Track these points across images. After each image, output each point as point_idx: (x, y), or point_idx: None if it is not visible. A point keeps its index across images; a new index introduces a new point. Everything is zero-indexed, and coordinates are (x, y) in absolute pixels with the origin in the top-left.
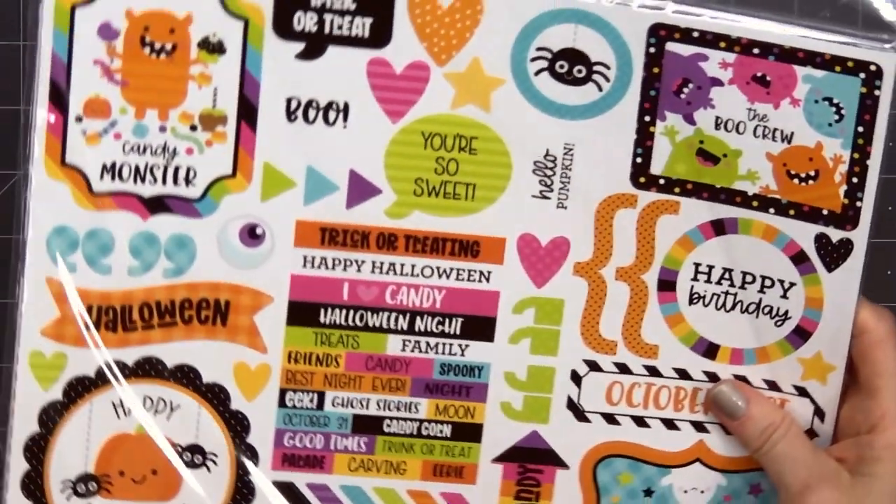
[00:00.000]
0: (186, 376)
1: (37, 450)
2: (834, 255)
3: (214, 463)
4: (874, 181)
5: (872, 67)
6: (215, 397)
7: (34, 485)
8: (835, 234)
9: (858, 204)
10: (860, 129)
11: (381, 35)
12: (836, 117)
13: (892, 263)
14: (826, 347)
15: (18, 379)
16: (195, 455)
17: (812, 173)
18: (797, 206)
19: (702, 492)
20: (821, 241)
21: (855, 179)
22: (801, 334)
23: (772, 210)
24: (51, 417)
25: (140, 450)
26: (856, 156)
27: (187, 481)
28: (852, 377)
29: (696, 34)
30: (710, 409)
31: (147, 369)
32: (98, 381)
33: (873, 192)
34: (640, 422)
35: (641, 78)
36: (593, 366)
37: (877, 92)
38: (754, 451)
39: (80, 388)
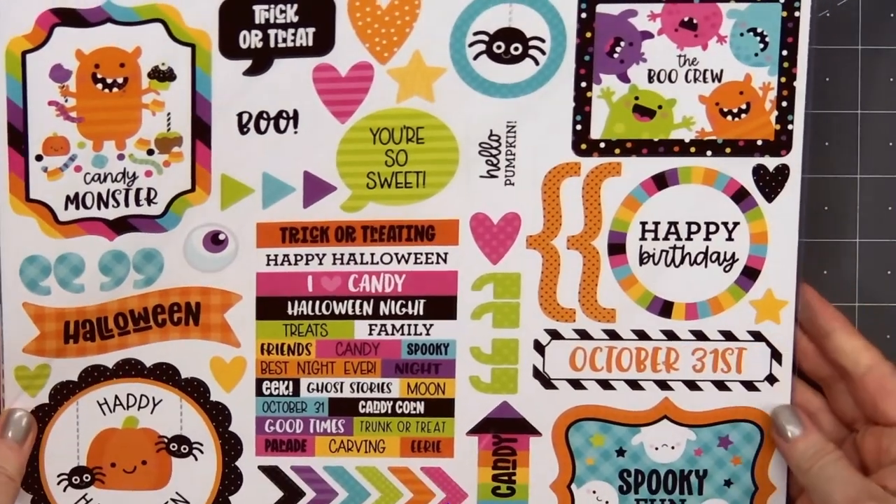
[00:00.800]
0: (165, 373)
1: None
2: (772, 183)
3: (201, 451)
4: (802, 102)
5: None
6: (195, 391)
7: (31, 478)
8: (771, 163)
9: (790, 127)
10: (784, 52)
11: (324, 42)
12: (762, 46)
13: (893, 263)
14: (776, 283)
15: (6, 390)
16: (181, 445)
17: (743, 107)
18: (733, 143)
19: (672, 447)
20: (758, 172)
21: (784, 104)
22: (749, 275)
23: (709, 152)
24: (40, 419)
25: (128, 443)
26: (783, 80)
27: (177, 469)
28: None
29: None
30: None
31: (127, 370)
32: (82, 384)
33: (802, 114)
34: (605, 385)
35: (575, 45)
36: (555, 334)
37: (797, 13)
38: (804, 472)
39: (65, 392)
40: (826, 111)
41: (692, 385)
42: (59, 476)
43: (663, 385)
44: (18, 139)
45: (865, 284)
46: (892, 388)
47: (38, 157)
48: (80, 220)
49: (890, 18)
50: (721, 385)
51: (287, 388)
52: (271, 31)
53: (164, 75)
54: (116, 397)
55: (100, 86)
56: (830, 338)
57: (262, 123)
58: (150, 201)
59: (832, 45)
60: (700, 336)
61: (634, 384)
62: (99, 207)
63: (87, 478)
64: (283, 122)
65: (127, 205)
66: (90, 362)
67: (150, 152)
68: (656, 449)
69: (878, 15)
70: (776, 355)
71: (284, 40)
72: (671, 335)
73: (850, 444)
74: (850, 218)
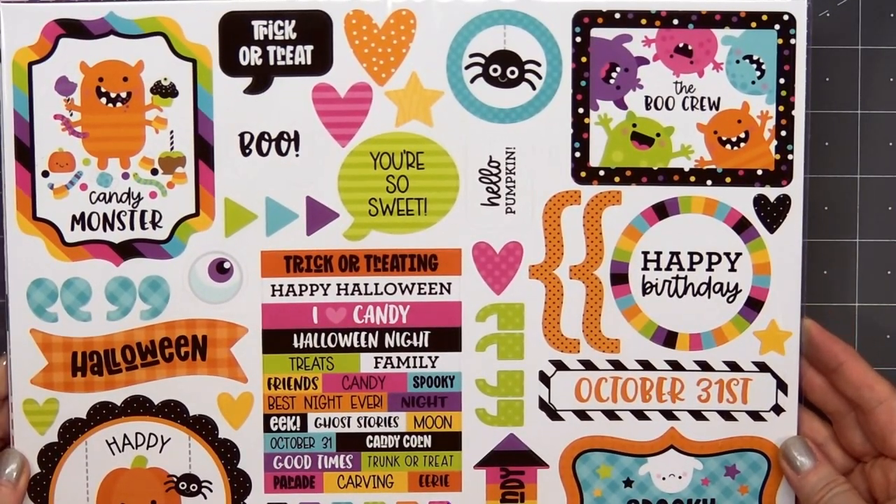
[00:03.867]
0: (174, 411)
1: (40, 489)
2: (773, 214)
3: (210, 490)
4: (801, 131)
5: (785, 17)
6: (203, 428)
7: None
8: (772, 193)
9: (790, 157)
10: (781, 80)
11: (322, 61)
12: (758, 73)
13: (893, 263)
14: (779, 314)
15: (15, 426)
16: (190, 484)
17: (742, 135)
18: (732, 173)
19: (679, 477)
20: (759, 202)
21: (784, 133)
22: (753, 306)
23: (709, 182)
24: (49, 458)
25: (137, 483)
26: (781, 108)
27: None
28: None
29: (617, 15)
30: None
31: (136, 407)
32: (90, 423)
33: (802, 142)
34: (611, 415)
35: (571, 70)
36: (559, 365)
37: (792, 41)
38: (814, 503)
39: (73, 430)
40: (826, 111)
41: (698, 415)
42: None
43: (669, 415)
44: (25, 154)
45: (865, 284)
46: None
47: (45, 174)
48: (87, 243)
49: (890, 18)
50: (727, 415)
51: (295, 423)
52: (270, 48)
53: (166, 91)
54: (125, 436)
55: (104, 100)
56: (840, 371)
57: (264, 145)
58: (154, 225)
59: (832, 45)
60: (705, 366)
61: (640, 414)
62: (105, 229)
63: None
64: (284, 144)
65: (132, 227)
66: (98, 398)
67: (154, 172)
68: (663, 479)
69: (878, 15)
70: (782, 386)
71: (283, 58)
72: (676, 365)
73: (859, 474)
74: (850, 218)
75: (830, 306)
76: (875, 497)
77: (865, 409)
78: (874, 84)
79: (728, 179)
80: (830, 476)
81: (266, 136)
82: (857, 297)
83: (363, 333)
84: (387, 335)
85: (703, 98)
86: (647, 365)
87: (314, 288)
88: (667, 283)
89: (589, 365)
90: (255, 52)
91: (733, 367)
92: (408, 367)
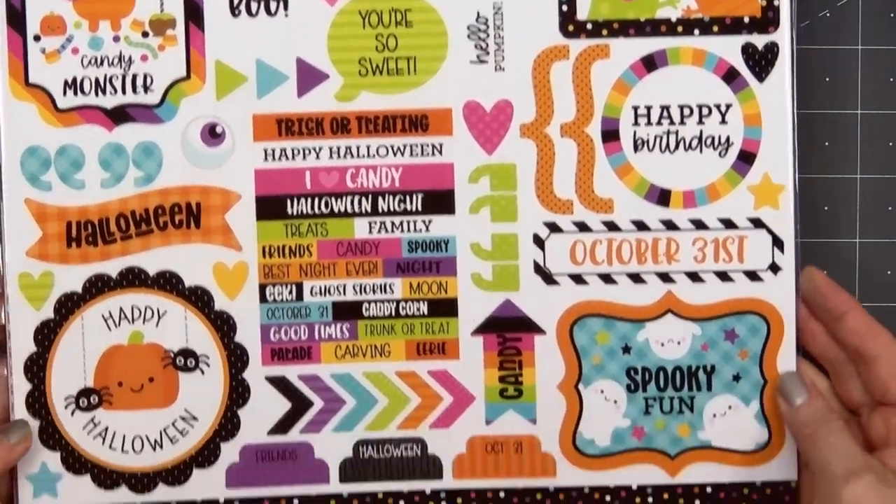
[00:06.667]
0: (169, 282)
1: (37, 369)
2: (762, 62)
3: (207, 365)
4: None
5: None
6: (199, 300)
7: (38, 403)
8: (759, 41)
9: (776, 2)
10: None
11: None
12: None
13: (893, 263)
14: (772, 167)
15: (10, 302)
16: (188, 359)
17: None
18: (720, 21)
19: (678, 343)
20: (747, 51)
21: None
22: (745, 159)
23: (696, 31)
24: (46, 336)
25: (135, 359)
26: None
27: (184, 385)
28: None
29: None
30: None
31: (131, 279)
32: (86, 296)
33: None
34: (606, 279)
35: None
36: (553, 227)
37: None
38: (805, 437)
39: (70, 305)
40: (826, 111)
41: (694, 277)
42: (66, 399)
43: (665, 278)
44: (16, 18)
45: (865, 284)
46: None
47: (37, 38)
48: (79, 109)
49: (890, 18)
50: (724, 276)
51: (290, 292)
52: None
53: None
54: (121, 310)
55: None
56: (843, 319)
57: (253, 5)
58: (146, 89)
59: (832, 45)
60: (699, 225)
61: (636, 277)
62: (97, 94)
63: (94, 399)
64: (273, 4)
65: (124, 92)
66: (94, 270)
67: (145, 34)
68: (662, 345)
69: (878, 15)
70: (778, 243)
71: None
72: (670, 225)
73: (856, 425)
74: (850, 218)
75: None
76: (873, 443)
77: (867, 358)
78: (874, 84)
79: (715, 28)
80: (824, 411)
81: None
82: (858, 297)
83: (356, 198)
84: (380, 199)
85: None
86: (641, 225)
87: (307, 151)
88: (658, 139)
89: (583, 227)
90: None
91: (728, 224)
92: (402, 231)
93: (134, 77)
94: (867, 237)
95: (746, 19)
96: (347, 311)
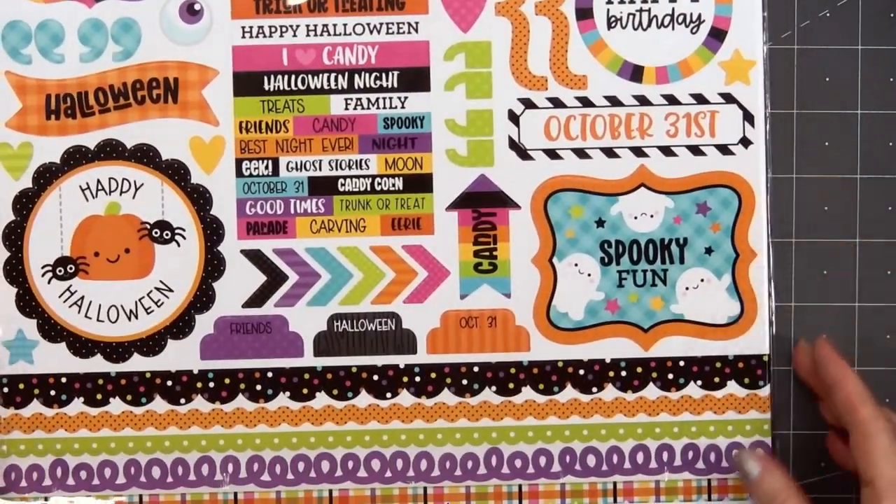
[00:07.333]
0: (146, 155)
1: (14, 237)
2: None
3: (183, 237)
4: None
5: None
6: (175, 173)
7: (16, 271)
8: None
9: None
10: None
11: None
12: None
13: (893, 263)
14: (743, 43)
15: None
16: (164, 231)
17: None
18: None
19: (651, 216)
20: None
21: None
22: (717, 35)
23: None
24: (24, 206)
25: (111, 230)
26: None
27: (160, 256)
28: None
29: None
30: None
31: (108, 151)
32: (64, 167)
33: None
34: (580, 154)
35: None
36: (528, 103)
37: None
38: None
39: (48, 175)
40: (826, 111)
41: (667, 151)
42: (43, 268)
43: (638, 152)
44: None
45: (865, 284)
46: (870, 449)
47: None
48: None
49: (890, 18)
50: (696, 150)
51: (266, 167)
52: None
53: None
54: (98, 181)
55: None
56: (831, 391)
57: None
58: None
59: (832, 45)
60: (672, 100)
61: (610, 152)
62: None
63: (70, 269)
64: None
65: None
66: (72, 142)
67: None
68: (635, 218)
69: (878, 15)
70: (748, 117)
71: None
72: (643, 100)
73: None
74: (850, 218)
75: (830, 306)
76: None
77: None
78: (874, 84)
79: None
80: (780, 483)
81: None
82: (857, 297)
83: (333, 75)
84: (356, 76)
85: None
86: (614, 101)
87: (284, 29)
88: (631, 16)
89: (557, 102)
90: None
91: (700, 99)
92: (377, 108)
93: None
94: (867, 237)
95: None
96: (323, 187)
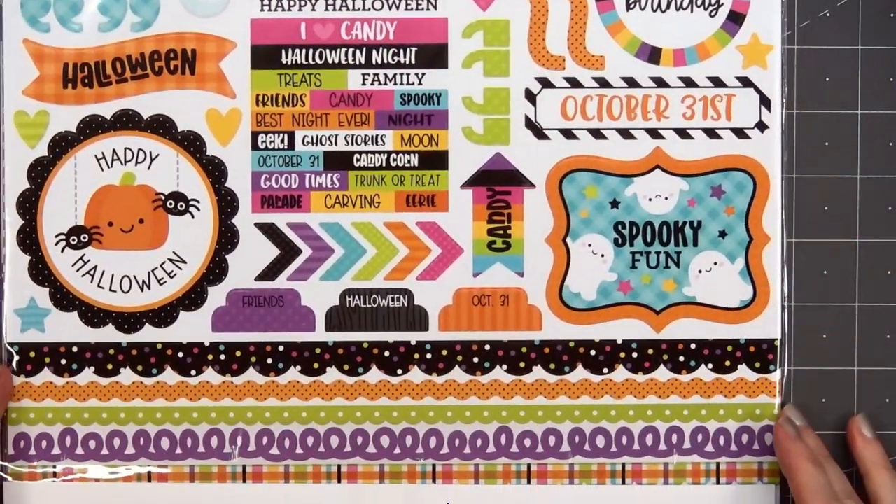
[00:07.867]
0: (162, 126)
1: (29, 205)
2: None
3: (197, 209)
4: None
5: None
6: (191, 144)
7: (29, 239)
8: None
9: None
10: None
11: None
12: None
13: (892, 264)
14: (760, 28)
15: (6, 139)
16: (178, 202)
17: None
18: None
19: (666, 198)
20: None
21: None
22: (735, 19)
23: None
24: (39, 174)
25: (126, 200)
26: None
27: (173, 228)
28: None
29: None
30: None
31: (125, 121)
32: (80, 136)
33: None
34: (596, 134)
35: None
36: (545, 83)
37: None
38: None
39: (63, 144)
40: (826, 111)
41: (683, 133)
42: (56, 236)
43: (654, 134)
44: None
45: (865, 284)
46: None
47: None
48: None
49: (890, 18)
50: (712, 133)
51: (282, 140)
52: None
53: None
54: (114, 151)
55: None
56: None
57: None
58: None
59: (832, 45)
60: (689, 83)
61: (626, 133)
62: None
63: (84, 238)
64: None
65: None
66: (88, 112)
67: None
68: (650, 200)
69: (878, 15)
70: (765, 101)
71: None
72: (660, 82)
73: None
74: (850, 218)
75: (830, 306)
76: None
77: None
78: (874, 84)
79: None
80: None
81: None
82: (857, 297)
83: (350, 50)
84: (374, 52)
85: None
86: (631, 82)
87: (302, 3)
88: None
89: (574, 83)
90: None
91: (716, 82)
92: (395, 84)
93: None
94: (867, 237)
95: None
96: (338, 161)
